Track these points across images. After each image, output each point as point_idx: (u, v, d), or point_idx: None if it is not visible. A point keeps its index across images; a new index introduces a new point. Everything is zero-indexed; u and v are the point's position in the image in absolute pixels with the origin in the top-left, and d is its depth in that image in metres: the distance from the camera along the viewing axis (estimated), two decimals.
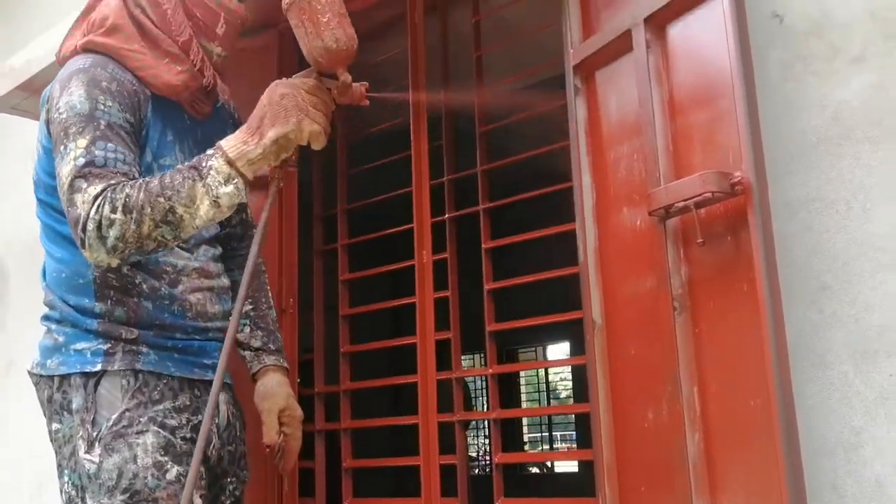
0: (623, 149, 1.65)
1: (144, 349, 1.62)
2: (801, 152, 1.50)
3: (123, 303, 1.62)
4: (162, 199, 1.45)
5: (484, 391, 8.75)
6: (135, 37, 1.66)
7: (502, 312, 2.12)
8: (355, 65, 1.53)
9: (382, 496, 2.40)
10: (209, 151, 1.50)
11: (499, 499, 1.96)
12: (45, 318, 1.69)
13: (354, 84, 1.54)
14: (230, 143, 1.49)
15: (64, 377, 1.60)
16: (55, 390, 1.61)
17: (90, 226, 1.46)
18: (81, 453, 1.55)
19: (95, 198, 1.46)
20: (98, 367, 1.58)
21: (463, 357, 2.23)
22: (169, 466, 1.57)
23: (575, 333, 1.77)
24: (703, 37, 1.51)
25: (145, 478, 1.54)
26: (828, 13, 1.50)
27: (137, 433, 1.56)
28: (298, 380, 2.25)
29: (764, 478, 1.33)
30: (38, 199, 1.70)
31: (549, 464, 8.73)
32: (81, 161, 1.49)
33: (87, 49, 1.67)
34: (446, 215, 2.20)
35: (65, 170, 1.50)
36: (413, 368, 2.10)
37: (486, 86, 2.22)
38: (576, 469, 8.60)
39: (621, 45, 1.64)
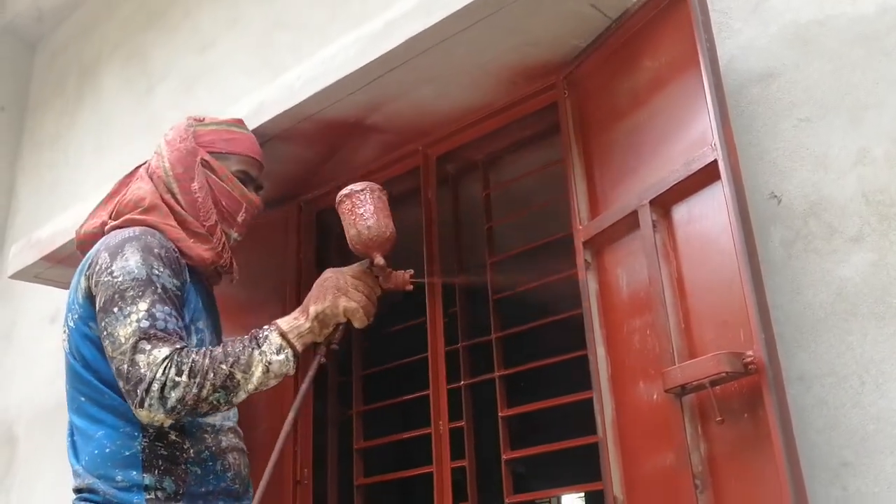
0: (636, 322, 1.69)
1: None
2: (809, 327, 1.54)
3: (171, 472, 1.64)
4: (224, 366, 1.56)
5: None
6: (168, 215, 1.81)
7: (520, 487, 2.10)
8: None
9: None
10: (265, 326, 1.65)
11: None
12: (83, 499, 1.66)
13: (398, 271, 1.74)
14: (285, 320, 1.66)
15: None
16: None
17: (154, 386, 1.53)
18: None
19: (163, 360, 1.55)
20: None
21: None
22: None
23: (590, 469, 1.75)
24: (707, 217, 1.58)
25: None
26: (823, 195, 1.58)
27: None
28: None
29: None
30: (75, 372, 1.72)
31: None
32: (146, 323, 1.58)
33: (126, 226, 1.78)
34: (462, 382, 2.22)
35: (125, 331, 1.58)
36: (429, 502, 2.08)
37: (497, 255, 2.29)
38: None
39: (629, 224, 1.71)
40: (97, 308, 1.64)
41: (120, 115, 3.65)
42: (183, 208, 1.82)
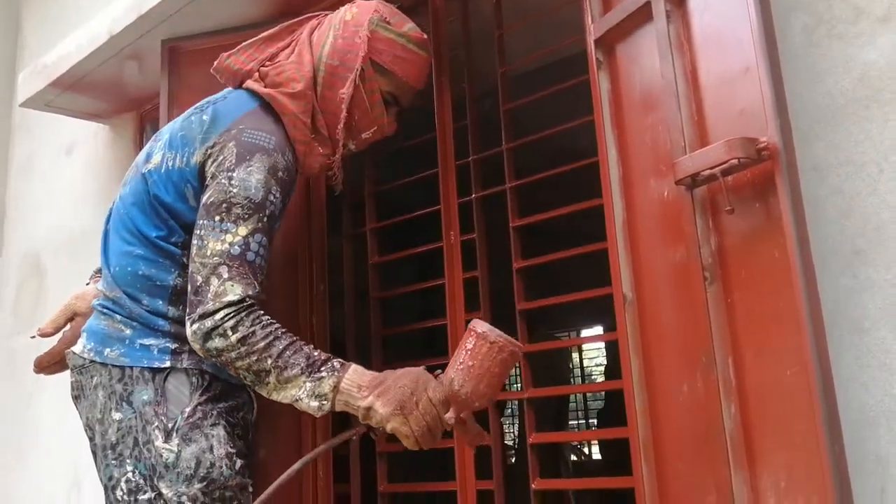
0: (648, 120, 1.63)
1: None
2: (828, 116, 1.47)
3: None
4: (269, 362, 1.52)
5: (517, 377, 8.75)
6: (308, 111, 1.75)
7: (533, 294, 2.10)
8: None
9: (416, 478, 2.41)
10: (335, 364, 1.54)
11: (534, 480, 1.96)
12: (108, 309, 1.72)
13: (475, 428, 1.56)
14: (350, 378, 1.53)
15: (125, 368, 1.65)
16: (114, 380, 1.65)
17: (208, 323, 1.53)
18: (158, 443, 1.60)
19: (229, 304, 1.52)
20: (167, 364, 1.64)
21: None
22: (235, 458, 1.65)
23: (608, 316, 1.73)
24: (724, 4, 1.48)
25: (220, 467, 1.61)
26: None
27: (211, 425, 1.63)
28: None
29: (804, 449, 1.31)
30: (141, 196, 1.72)
31: (586, 450, 8.70)
32: (237, 250, 1.56)
33: (266, 101, 1.73)
34: (473, 195, 2.20)
35: (214, 245, 1.56)
36: (444, 350, 2.10)
37: (508, 65, 2.21)
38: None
39: (642, 17, 1.62)
40: (203, 200, 1.63)
41: None
42: (317, 101, 1.76)
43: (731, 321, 1.43)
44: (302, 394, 1.52)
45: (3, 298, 3.80)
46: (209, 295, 1.53)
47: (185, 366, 1.65)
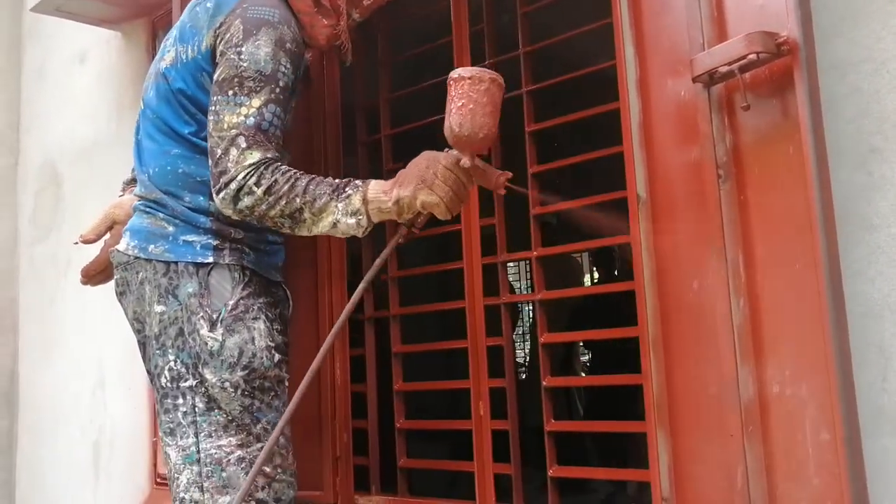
0: (667, 19, 1.62)
1: (247, 249, 1.77)
2: (851, 12, 1.45)
3: None
4: (298, 200, 1.59)
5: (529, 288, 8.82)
6: None
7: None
8: None
9: (430, 379, 2.46)
10: (357, 182, 1.61)
11: (545, 377, 2.01)
12: (151, 208, 1.78)
13: (494, 172, 1.63)
14: (374, 187, 1.60)
15: (169, 263, 1.72)
16: (159, 275, 1.73)
17: (233, 186, 1.60)
18: (203, 332, 1.68)
19: (249, 165, 1.59)
20: (210, 260, 1.72)
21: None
22: (274, 351, 1.74)
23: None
24: None
25: (261, 358, 1.71)
26: None
27: (253, 319, 1.72)
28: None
29: (809, 341, 1.34)
30: (166, 93, 1.77)
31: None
32: (251, 121, 1.62)
33: None
34: None
35: (230, 119, 1.62)
36: (459, 255, 2.13)
37: None
38: None
39: None
40: (215, 77, 1.67)
41: None
42: None
43: (744, 218, 1.45)
44: (338, 216, 1.58)
45: (22, 206, 3.84)
46: (230, 164, 1.60)
47: (227, 262, 1.73)
